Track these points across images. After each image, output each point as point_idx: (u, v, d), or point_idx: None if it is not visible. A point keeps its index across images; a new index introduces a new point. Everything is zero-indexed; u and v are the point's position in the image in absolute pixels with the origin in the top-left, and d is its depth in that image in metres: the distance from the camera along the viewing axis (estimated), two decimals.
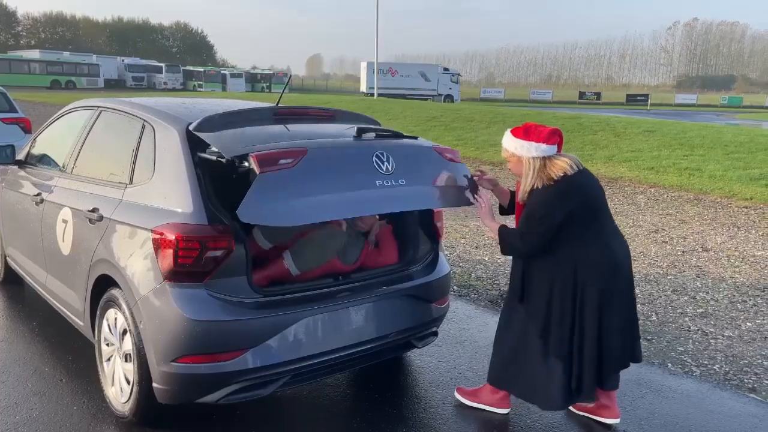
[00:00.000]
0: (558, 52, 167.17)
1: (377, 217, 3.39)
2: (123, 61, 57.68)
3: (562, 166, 2.85)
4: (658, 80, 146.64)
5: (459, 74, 48.21)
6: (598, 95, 60.30)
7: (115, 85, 51.72)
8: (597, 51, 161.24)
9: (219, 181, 2.96)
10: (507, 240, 2.93)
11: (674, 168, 11.16)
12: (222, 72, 57.68)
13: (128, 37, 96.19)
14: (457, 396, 3.35)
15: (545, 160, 2.88)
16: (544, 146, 2.88)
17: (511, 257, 3.08)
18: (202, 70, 57.12)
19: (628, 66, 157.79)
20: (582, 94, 60.26)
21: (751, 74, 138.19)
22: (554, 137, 2.90)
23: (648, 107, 48.51)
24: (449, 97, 43.45)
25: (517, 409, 3.31)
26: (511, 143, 2.98)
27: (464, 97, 53.96)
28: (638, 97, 57.20)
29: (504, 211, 3.34)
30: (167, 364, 2.60)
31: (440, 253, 3.51)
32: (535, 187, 2.87)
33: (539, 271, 2.93)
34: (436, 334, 3.47)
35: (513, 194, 3.22)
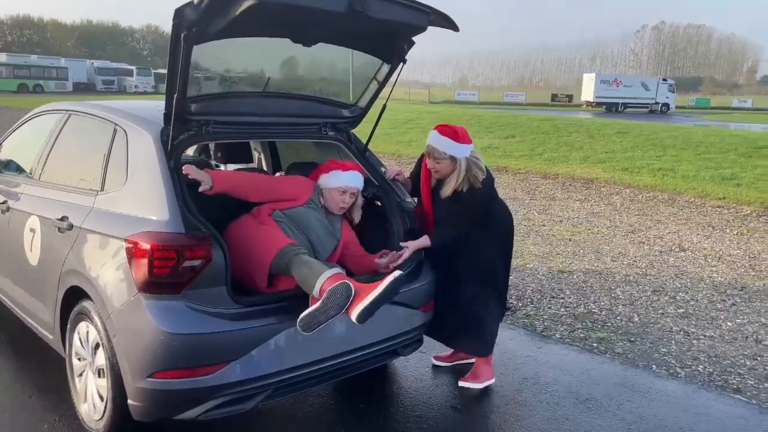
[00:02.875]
0: (530, 55, 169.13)
1: (340, 195, 3.17)
2: (92, 64, 56.53)
3: (482, 167, 3.26)
4: None
5: (675, 84, 51.59)
6: (569, 97, 60.89)
7: (84, 89, 50.61)
8: (568, 54, 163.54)
9: (196, 188, 2.84)
10: (439, 240, 3.27)
11: (648, 169, 11.30)
12: (195, 75, 56.69)
13: (98, 40, 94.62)
14: (464, 384, 3.48)
15: (469, 160, 3.24)
16: (471, 147, 3.27)
17: None
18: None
19: (598, 68, 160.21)
20: (554, 97, 60.81)
21: (717, 76, 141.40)
22: (470, 137, 3.30)
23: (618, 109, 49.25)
24: (665, 105, 46.78)
25: (505, 411, 3.25)
26: (448, 146, 3.22)
27: (438, 99, 54.16)
28: None
29: (411, 193, 3.55)
30: (143, 380, 2.48)
31: (425, 258, 3.44)
32: (462, 189, 3.22)
33: (474, 243, 3.34)
34: (421, 340, 3.40)
35: (413, 184, 3.58)
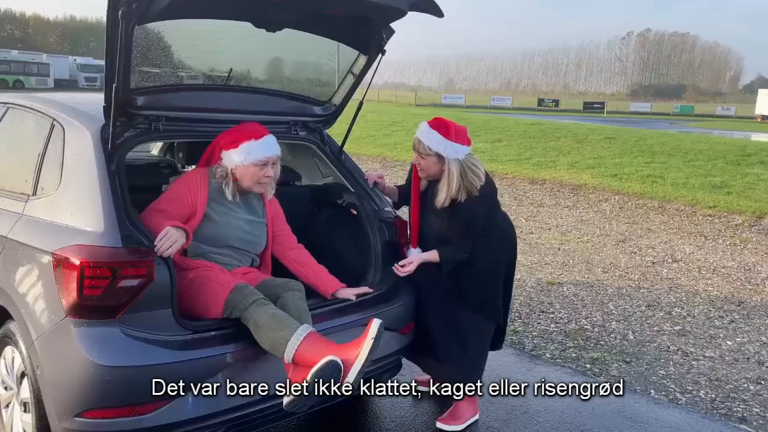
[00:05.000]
0: (517, 59, 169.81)
1: (260, 169, 2.62)
2: (75, 60, 55.54)
3: (479, 174, 2.85)
4: (613, 88, 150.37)
5: None
6: (556, 102, 61.16)
7: (66, 85, 49.60)
8: (554, 59, 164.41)
9: (142, 194, 2.48)
10: (450, 259, 2.92)
11: (637, 175, 11.06)
12: (177, 73, 55.97)
13: (81, 36, 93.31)
14: (442, 426, 3.05)
15: (462, 163, 2.82)
16: (467, 149, 2.86)
17: None
18: (155, 71, 55.21)
19: (584, 74, 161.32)
20: (541, 101, 60.98)
21: (701, 84, 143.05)
22: (469, 138, 2.90)
23: (605, 114, 49.35)
24: None
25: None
26: (435, 141, 2.81)
27: (425, 102, 53.95)
28: (595, 105, 58.27)
29: (396, 205, 3.25)
30: (70, 420, 2.10)
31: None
32: (459, 199, 2.82)
33: (468, 262, 2.93)
34: (399, 366, 3.05)
35: (399, 189, 3.25)
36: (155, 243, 2.22)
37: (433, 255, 2.92)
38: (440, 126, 2.85)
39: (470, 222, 2.87)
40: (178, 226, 2.33)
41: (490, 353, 3.19)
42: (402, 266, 2.90)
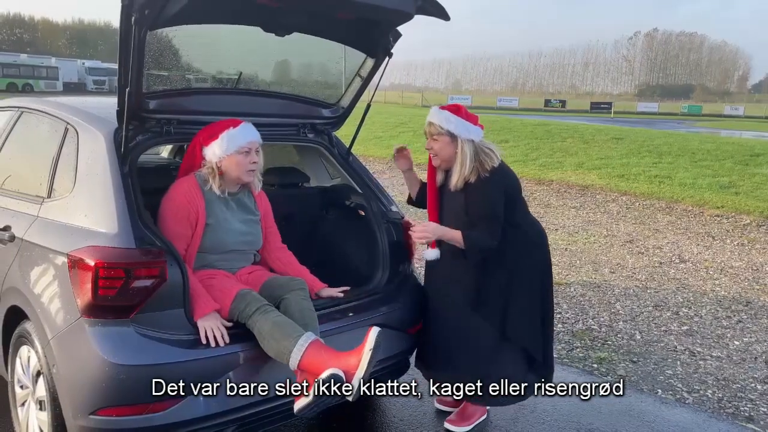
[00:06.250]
0: (523, 60, 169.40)
1: (245, 156, 2.58)
2: (83, 63, 55.94)
3: (493, 158, 2.79)
4: (620, 89, 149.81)
5: None
6: (563, 103, 60.98)
7: (75, 89, 50.01)
8: (561, 59, 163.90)
9: (153, 196, 2.53)
10: (475, 243, 2.75)
11: (644, 176, 11.05)
12: (187, 77, 56.21)
13: (89, 39, 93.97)
14: (450, 427, 3.04)
15: (476, 145, 2.79)
16: (479, 129, 2.83)
17: None
18: (166, 74, 55.50)
19: (591, 74, 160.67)
20: (547, 102, 60.85)
21: (709, 83, 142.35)
22: (480, 124, 2.85)
23: (612, 115, 49.18)
24: None
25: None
26: (446, 120, 2.77)
27: (432, 103, 53.85)
28: (602, 105, 58.05)
29: (411, 201, 3.18)
30: (84, 417, 2.15)
31: (413, 274, 3.14)
32: (469, 180, 2.76)
33: (491, 263, 2.82)
34: (407, 365, 3.08)
35: (423, 185, 3.12)
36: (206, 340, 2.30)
37: (455, 234, 2.75)
38: (450, 107, 2.84)
39: (487, 201, 2.74)
40: (206, 314, 2.33)
41: None
42: (416, 230, 2.80)
